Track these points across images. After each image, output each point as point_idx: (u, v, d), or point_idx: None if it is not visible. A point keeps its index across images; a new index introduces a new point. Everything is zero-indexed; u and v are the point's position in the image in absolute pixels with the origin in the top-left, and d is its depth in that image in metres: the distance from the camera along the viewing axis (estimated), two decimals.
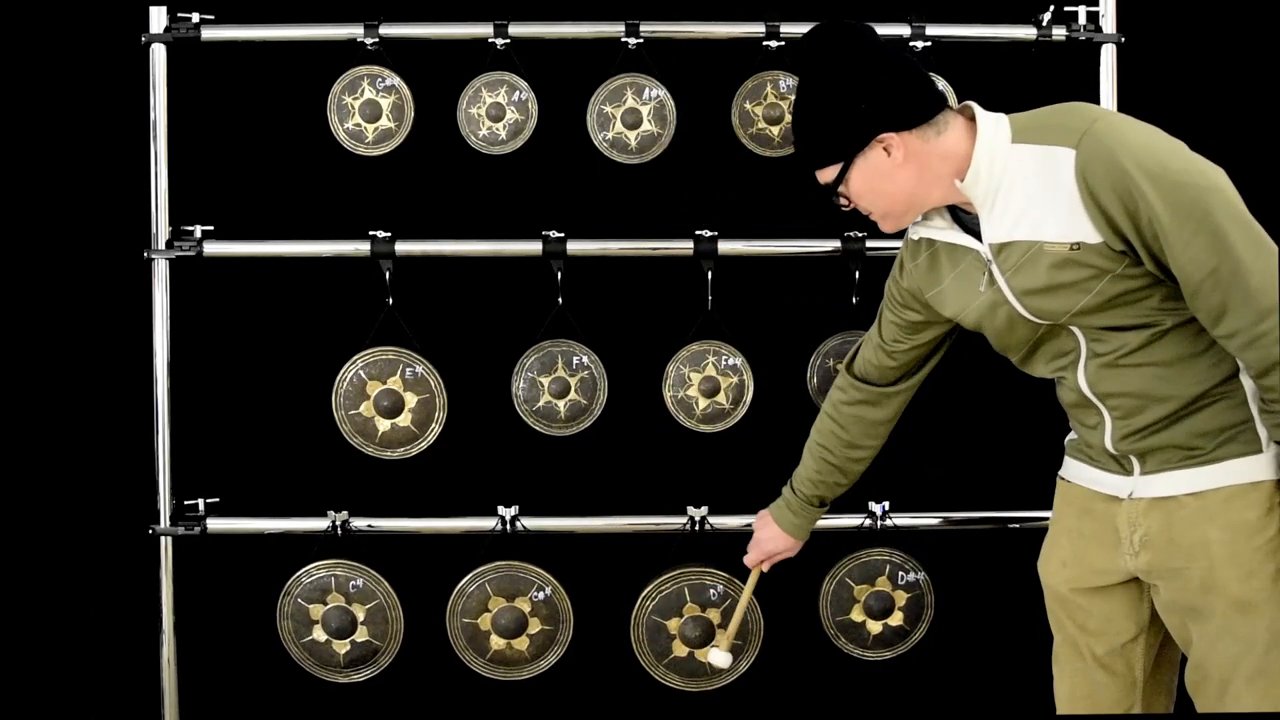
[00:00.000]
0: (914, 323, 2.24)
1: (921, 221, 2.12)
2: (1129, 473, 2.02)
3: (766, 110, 2.71)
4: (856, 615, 2.68)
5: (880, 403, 2.33)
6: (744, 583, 2.51)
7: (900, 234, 2.17)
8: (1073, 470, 2.16)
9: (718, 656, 2.48)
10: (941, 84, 2.69)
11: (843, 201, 2.09)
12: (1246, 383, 1.93)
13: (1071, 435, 2.18)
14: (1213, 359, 1.93)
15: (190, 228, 2.66)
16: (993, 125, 1.97)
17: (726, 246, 2.65)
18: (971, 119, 2.00)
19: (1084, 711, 2.14)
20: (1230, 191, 1.84)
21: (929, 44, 2.66)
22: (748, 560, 2.49)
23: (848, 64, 2.01)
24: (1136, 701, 2.12)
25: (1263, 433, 1.93)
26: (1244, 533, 1.92)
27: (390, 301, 2.66)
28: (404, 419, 2.69)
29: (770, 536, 2.46)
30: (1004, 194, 1.95)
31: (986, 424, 2.92)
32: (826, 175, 2.06)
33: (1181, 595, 1.97)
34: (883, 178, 2.01)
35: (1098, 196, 1.85)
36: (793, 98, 2.69)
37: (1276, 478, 1.92)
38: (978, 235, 2.02)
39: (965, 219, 2.06)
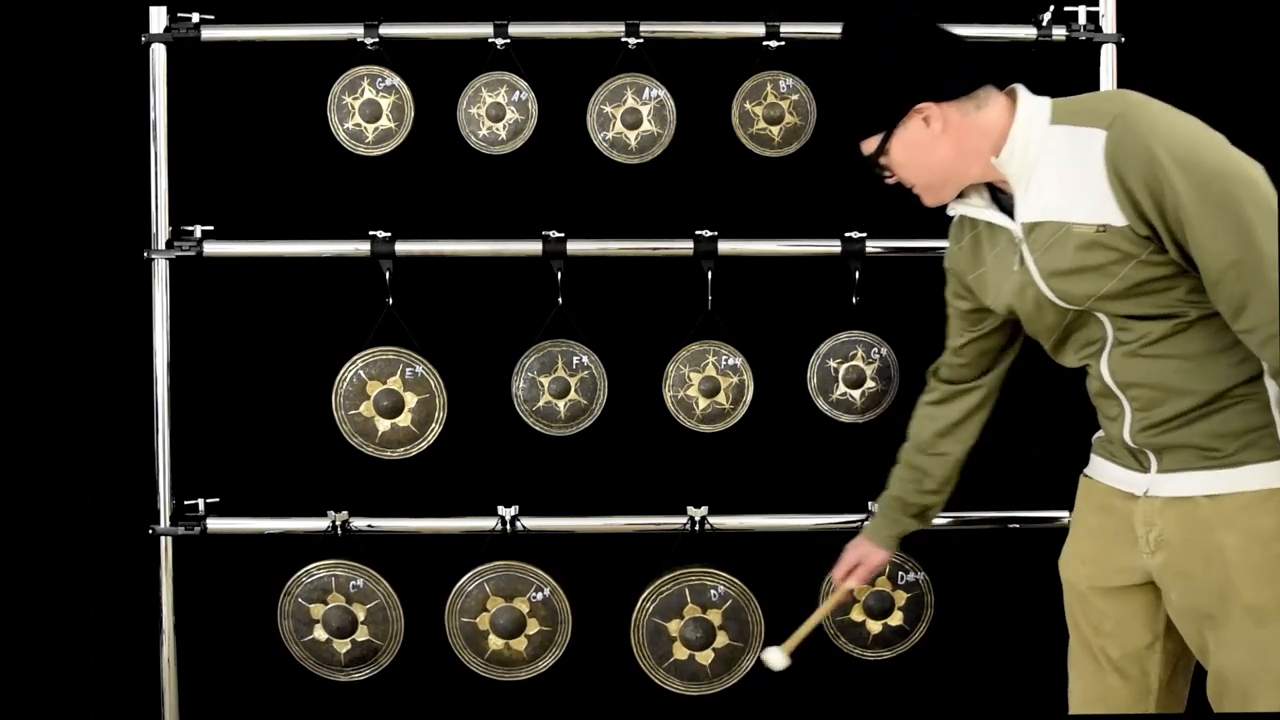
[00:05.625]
0: (966, 312, 2.22)
1: (960, 199, 2.11)
2: (1146, 469, 2.00)
3: (766, 110, 2.71)
4: (856, 615, 2.68)
5: (951, 400, 2.31)
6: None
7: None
8: (1095, 467, 2.14)
9: (774, 657, 2.32)
10: None
11: (885, 173, 2.09)
12: (1271, 387, 1.90)
13: (1099, 433, 2.15)
14: (1236, 357, 1.90)
15: (190, 228, 2.66)
16: (1034, 105, 1.98)
17: (726, 246, 2.65)
18: (1015, 99, 2.00)
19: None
20: (1265, 187, 1.82)
21: None
22: (834, 575, 2.43)
23: (887, 35, 2.01)
24: (1150, 709, 2.09)
25: None
26: (1260, 540, 1.89)
27: (390, 301, 2.66)
28: (404, 419, 2.69)
29: (851, 545, 2.42)
30: (1038, 174, 1.95)
31: (987, 424, 2.91)
32: (868, 146, 2.07)
33: (1196, 600, 1.95)
34: (922, 149, 2.02)
35: (1124, 178, 1.84)
36: (793, 99, 2.70)
37: None
38: (1014, 216, 2.01)
39: (1003, 199, 2.06)
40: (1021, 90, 2.01)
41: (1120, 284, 1.90)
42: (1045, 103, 1.99)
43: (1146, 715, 2.11)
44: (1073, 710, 2.18)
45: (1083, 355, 2.05)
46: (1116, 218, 1.87)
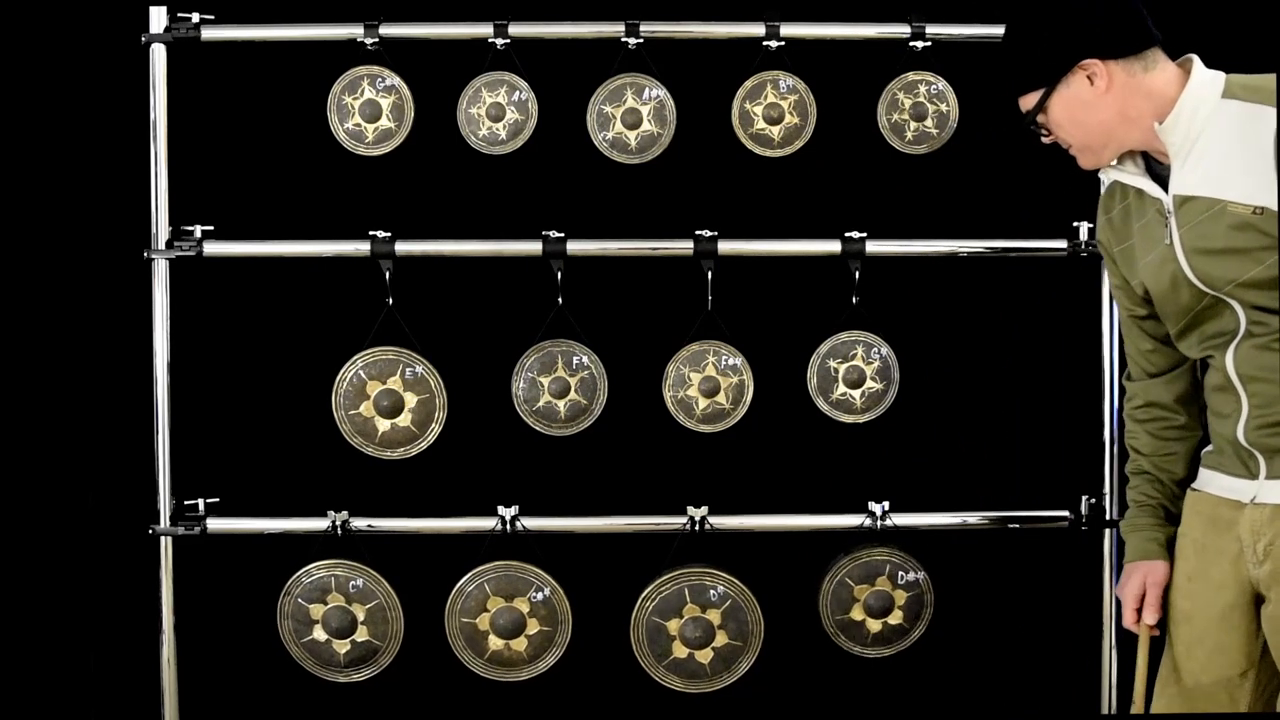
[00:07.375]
0: (1121, 289, 2.15)
1: (1115, 164, 2.06)
2: (1254, 475, 1.96)
3: (766, 110, 2.71)
4: (856, 614, 2.68)
5: (1155, 405, 2.16)
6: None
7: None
8: (1204, 479, 2.08)
9: None
10: (941, 84, 2.69)
11: (1043, 132, 2.05)
12: None
13: (1207, 447, 2.10)
14: None
15: (190, 228, 2.66)
16: (1208, 76, 1.94)
17: (726, 246, 2.64)
18: (1188, 70, 1.97)
19: None
20: None
21: (929, 44, 2.66)
22: (1125, 622, 2.22)
23: None
24: None
25: None
26: None
27: (390, 301, 2.66)
28: (404, 419, 2.69)
29: (1126, 580, 2.20)
30: (1200, 146, 1.91)
31: (987, 424, 2.92)
32: (1028, 102, 2.02)
33: None
34: (1084, 107, 1.98)
35: None
36: (798, 104, 2.71)
37: None
38: (1166, 187, 1.97)
39: (1158, 169, 2.01)
40: (1196, 60, 1.97)
41: (1265, 272, 1.85)
42: (1219, 76, 1.94)
43: (1171, 716, 2.07)
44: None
45: (1207, 346, 2.00)
46: (1276, 202, 1.82)
